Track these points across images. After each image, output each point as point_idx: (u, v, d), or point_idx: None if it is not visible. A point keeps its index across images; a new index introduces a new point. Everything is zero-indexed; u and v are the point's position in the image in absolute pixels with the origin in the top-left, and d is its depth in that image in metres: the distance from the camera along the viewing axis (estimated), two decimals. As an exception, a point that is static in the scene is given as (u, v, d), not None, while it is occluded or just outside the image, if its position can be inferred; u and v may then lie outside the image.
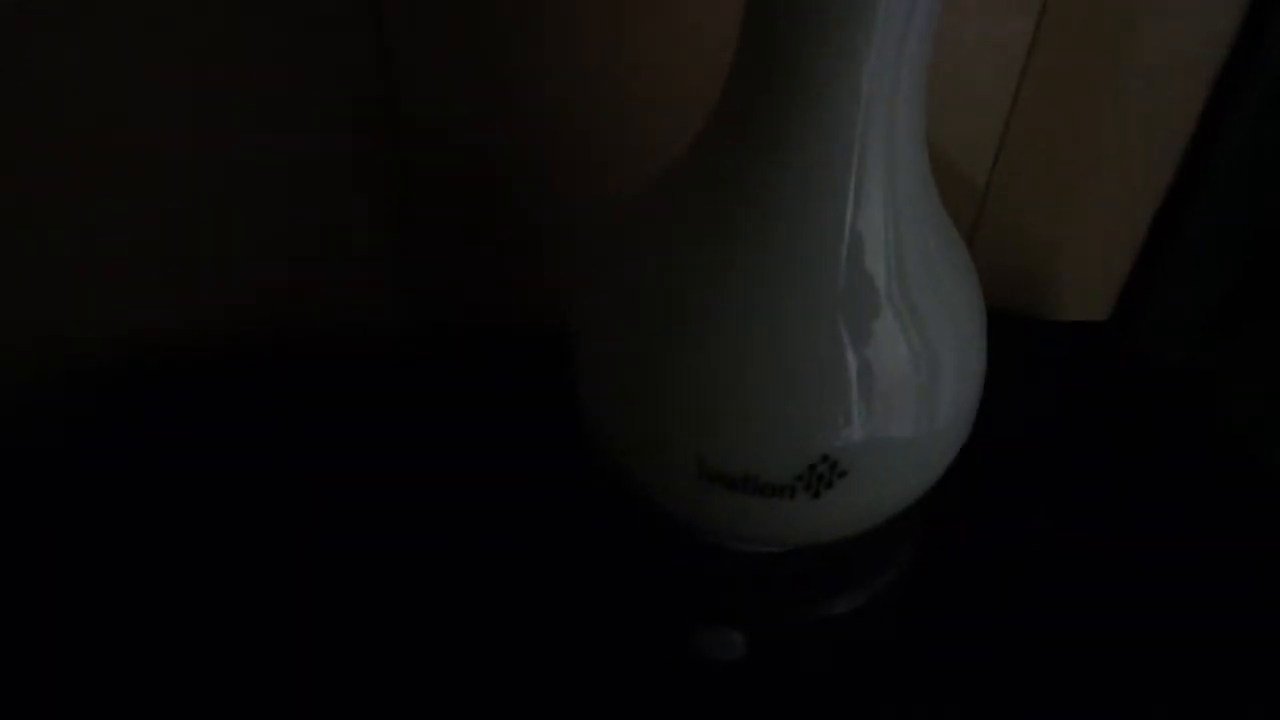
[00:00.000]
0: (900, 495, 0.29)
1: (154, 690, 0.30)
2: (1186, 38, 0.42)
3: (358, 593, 0.33)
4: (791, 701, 0.31)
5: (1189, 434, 0.45)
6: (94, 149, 0.37)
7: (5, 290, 0.40)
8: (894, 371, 0.26)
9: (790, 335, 0.26)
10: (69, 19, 0.34)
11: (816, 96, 0.23)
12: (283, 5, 0.35)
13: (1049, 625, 0.33)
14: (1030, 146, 0.45)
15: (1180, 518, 0.39)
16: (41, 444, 0.40)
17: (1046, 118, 0.44)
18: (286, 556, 0.34)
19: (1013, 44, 0.42)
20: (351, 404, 0.41)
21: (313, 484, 0.36)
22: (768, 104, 0.24)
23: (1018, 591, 0.35)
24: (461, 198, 0.43)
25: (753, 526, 0.28)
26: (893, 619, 0.33)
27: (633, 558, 0.34)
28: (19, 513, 0.36)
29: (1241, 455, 0.43)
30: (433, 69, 0.38)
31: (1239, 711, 0.32)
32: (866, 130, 0.24)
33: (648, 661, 0.31)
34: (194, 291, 0.42)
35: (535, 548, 0.34)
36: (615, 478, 0.31)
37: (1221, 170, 0.47)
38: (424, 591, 0.33)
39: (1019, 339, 0.48)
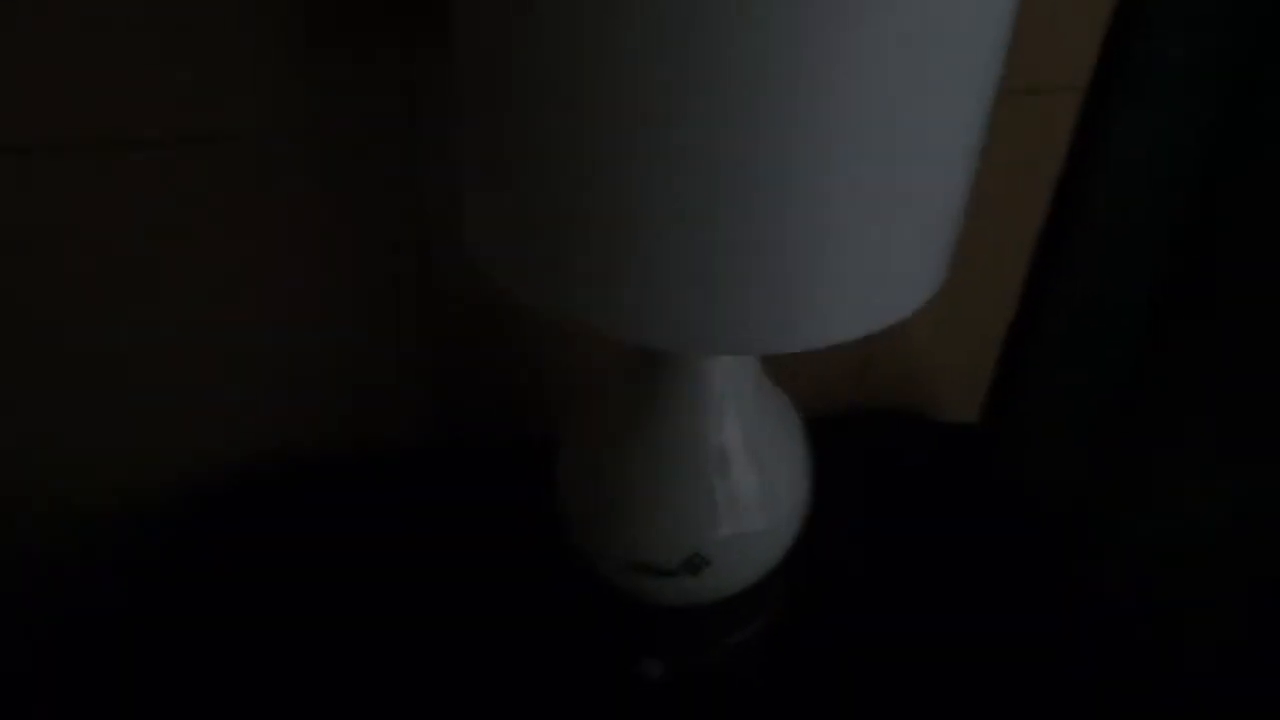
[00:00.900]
0: (752, 572, 0.45)
1: None
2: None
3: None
4: (701, 710, 0.48)
5: (1001, 501, 0.61)
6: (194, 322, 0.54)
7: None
8: (744, 498, 0.43)
9: (676, 479, 0.42)
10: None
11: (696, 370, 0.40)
12: (337, 213, 0.52)
13: (879, 650, 0.50)
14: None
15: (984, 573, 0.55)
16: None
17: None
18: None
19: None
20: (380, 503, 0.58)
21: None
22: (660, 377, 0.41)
23: (857, 626, 0.51)
24: (478, 344, 0.60)
25: (658, 594, 0.45)
26: (766, 649, 0.50)
27: (589, 610, 0.51)
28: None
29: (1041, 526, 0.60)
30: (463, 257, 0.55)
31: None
32: (724, 387, 0.41)
33: (595, 680, 0.48)
34: (264, 416, 0.59)
35: (522, 596, 0.51)
36: (581, 557, 0.47)
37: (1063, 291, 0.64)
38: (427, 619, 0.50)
39: (896, 437, 0.65)
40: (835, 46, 0.23)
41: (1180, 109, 0.57)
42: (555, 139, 0.27)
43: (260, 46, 0.46)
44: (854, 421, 0.66)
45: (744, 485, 0.43)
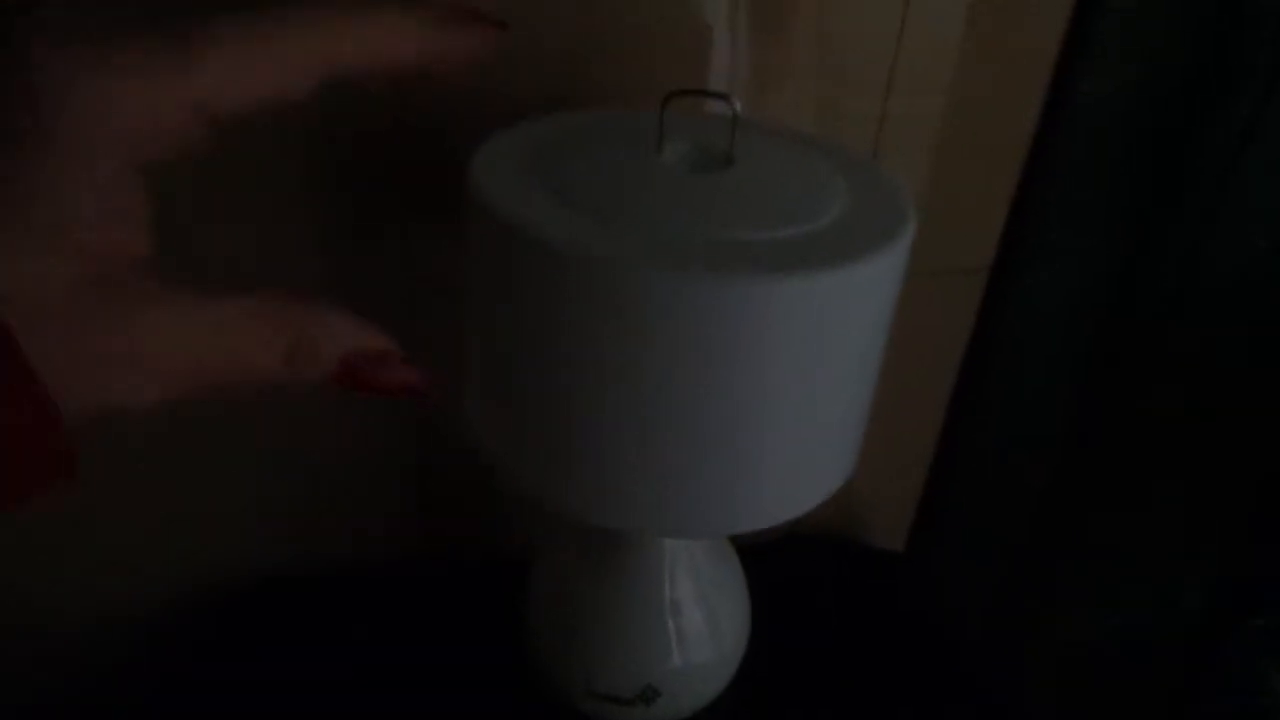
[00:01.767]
0: (701, 699, 0.51)
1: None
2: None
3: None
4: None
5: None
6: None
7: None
8: (693, 635, 0.49)
9: (632, 619, 0.48)
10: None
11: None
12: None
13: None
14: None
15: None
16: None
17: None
18: None
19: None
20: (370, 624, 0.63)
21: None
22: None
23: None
24: (465, 488, 0.65)
25: (616, 719, 0.50)
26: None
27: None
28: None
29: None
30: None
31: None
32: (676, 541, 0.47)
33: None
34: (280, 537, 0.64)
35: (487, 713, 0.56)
36: (544, 680, 0.52)
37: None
38: None
39: (827, 563, 0.71)
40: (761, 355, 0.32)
41: (1074, 281, 0.66)
42: (528, 382, 0.35)
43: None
44: (789, 548, 0.72)
45: (693, 623, 0.49)
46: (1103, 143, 0.60)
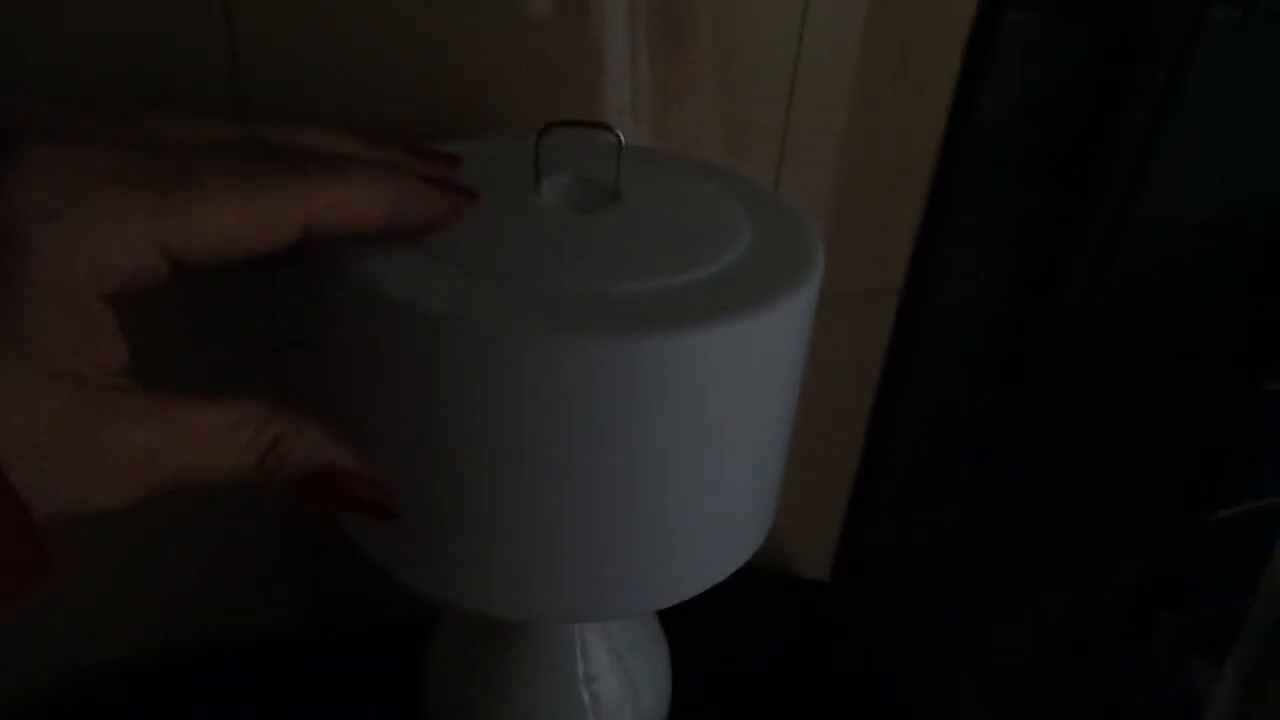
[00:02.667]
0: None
1: None
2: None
3: None
4: None
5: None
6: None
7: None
8: (610, 700, 0.45)
9: (547, 689, 0.44)
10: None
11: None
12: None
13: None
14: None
15: None
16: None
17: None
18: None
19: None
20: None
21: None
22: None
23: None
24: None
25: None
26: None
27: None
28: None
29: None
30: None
31: None
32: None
33: None
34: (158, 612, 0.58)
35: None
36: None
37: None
38: None
39: (751, 595, 0.68)
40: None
41: (987, 299, 0.65)
42: (392, 466, 0.31)
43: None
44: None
45: (609, 691, 0.45)
46: (1005, 158, 0.59)
